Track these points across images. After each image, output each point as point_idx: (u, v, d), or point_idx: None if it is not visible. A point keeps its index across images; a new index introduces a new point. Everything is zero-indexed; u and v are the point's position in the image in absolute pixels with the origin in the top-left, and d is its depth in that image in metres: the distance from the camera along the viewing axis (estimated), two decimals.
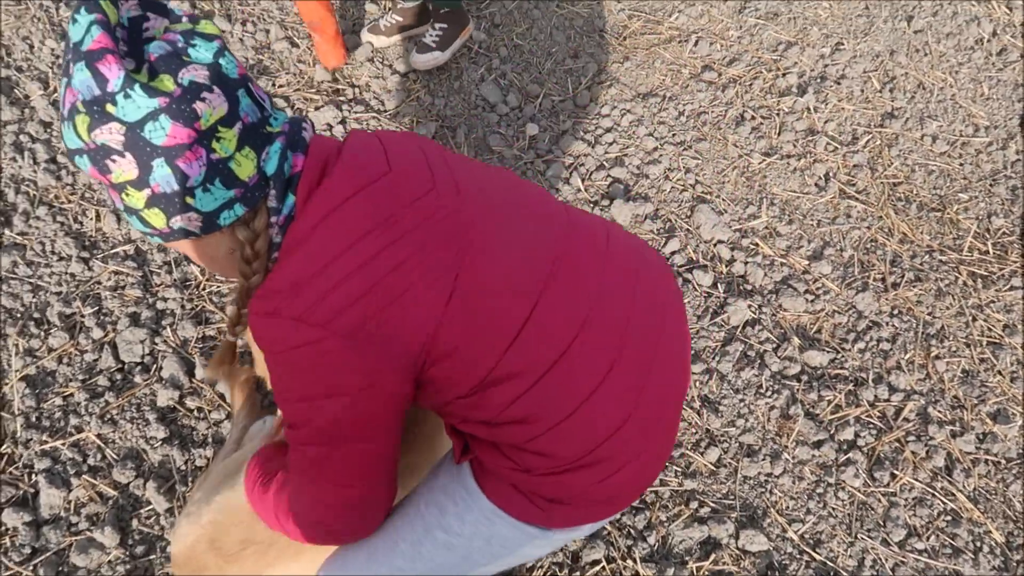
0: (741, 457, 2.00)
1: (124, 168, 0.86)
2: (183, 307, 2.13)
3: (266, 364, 0.96)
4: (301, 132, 0.98)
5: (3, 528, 1.77)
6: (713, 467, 1.98)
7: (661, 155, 2.61)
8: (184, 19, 0.91)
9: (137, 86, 0.82)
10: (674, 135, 2.67)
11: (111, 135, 0.84)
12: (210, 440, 1.92)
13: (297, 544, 1.31)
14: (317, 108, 2.57)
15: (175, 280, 2.18)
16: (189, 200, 0.89)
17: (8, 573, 1.72)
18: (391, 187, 0.96)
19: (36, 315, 2.09)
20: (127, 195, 0.89)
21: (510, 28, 2.94)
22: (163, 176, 0.86)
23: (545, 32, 2.95)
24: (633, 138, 2.65)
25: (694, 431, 2.04)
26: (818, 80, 2.88)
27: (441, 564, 1.13)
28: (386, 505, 1.09)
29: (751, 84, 2.84)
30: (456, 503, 1.10)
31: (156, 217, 0.91)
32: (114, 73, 0.81)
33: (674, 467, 1.98)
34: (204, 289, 2.17)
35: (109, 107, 0.82)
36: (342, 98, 2.63)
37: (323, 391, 0.93)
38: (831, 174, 2.61)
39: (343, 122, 2.57)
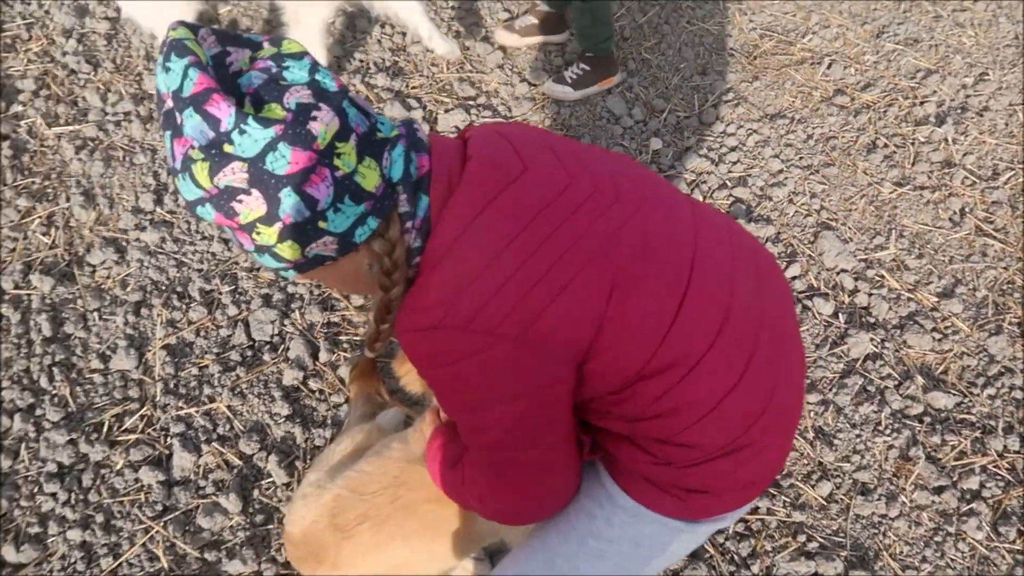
0: (854, 494, 1.94)
1: (252, 206, 0.83)
2: (311, 292, 2.23)
3: (427, 381, 0.95)
4: (417, 132, 0.96)
5: (140, 484, 1.91)
6: (824, 501, 1.93)
7: (786, 178, 2.56)
8: (265, 44, 0.88)
9: (250, 119, 0.79)
10: (801, 158, 2.61)
11: (234, 175, 0.81)
12: (329, 422, 2.01)
13: (410, 525, 1.36)
14: (447, 111, 2.65)
15: None
16: (322, 224, 0.86)
17: (142, 527, 1.85)
18: (531, 185, 0.94)
19: (179, 289, 2.24)
20: (258, 233, 0.86)
21: (639, 42, 2.95)
22: (292, 205, 0.83)
23: (674, 48, 2.94)
24: (758, 159, 2.61)
25: (806, 462, 1.99)
26: (958, 111, 2.76)
27: None
28: (579, 472, 1.10)
29: (885, 111, 2.75)
30: (602, 506, 1.10)
31: (290, 249, 0.88)
32: (224, 112, 0.78)
33: (783, 497, 1.93)
34: None
35: (227, 147, 0.79)
36: (471, 102, 2.70)
37: (498, 398, 0.93)
38: (967, 209, 2.50)
39: (470, 126, 2.63)
